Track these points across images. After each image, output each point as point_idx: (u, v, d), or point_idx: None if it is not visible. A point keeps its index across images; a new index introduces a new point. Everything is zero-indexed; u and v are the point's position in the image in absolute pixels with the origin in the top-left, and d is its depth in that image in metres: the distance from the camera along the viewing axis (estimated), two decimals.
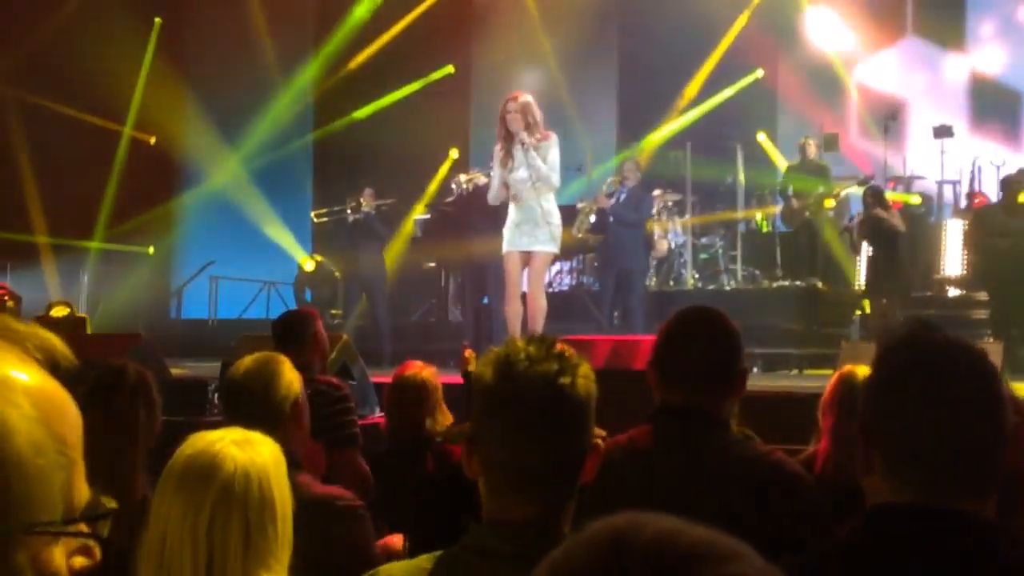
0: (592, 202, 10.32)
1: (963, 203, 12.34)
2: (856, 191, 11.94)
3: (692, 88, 14.04)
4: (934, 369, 1.57)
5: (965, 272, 11.27)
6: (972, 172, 12.41)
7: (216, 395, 6.57)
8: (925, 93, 13.66)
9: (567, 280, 12.61)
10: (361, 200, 10.80)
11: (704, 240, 12.21)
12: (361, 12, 14.66)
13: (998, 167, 12.05)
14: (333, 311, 12.58)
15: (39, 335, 0.84)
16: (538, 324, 7.16)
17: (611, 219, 10.10)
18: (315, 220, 12.57)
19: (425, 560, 1.66)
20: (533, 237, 7.17)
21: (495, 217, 9.79)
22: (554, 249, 7.24)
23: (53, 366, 0.83)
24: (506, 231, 7.33)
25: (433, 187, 13.67)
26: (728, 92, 13.97)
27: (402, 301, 12.34)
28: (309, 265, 13.43)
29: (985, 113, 13.35)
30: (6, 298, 9.81)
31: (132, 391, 2.86)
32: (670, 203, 11.88)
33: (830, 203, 11.53)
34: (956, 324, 10.11)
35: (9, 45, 12.74)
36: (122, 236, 13.96)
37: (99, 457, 0.96)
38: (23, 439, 0.76)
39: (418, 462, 3.88)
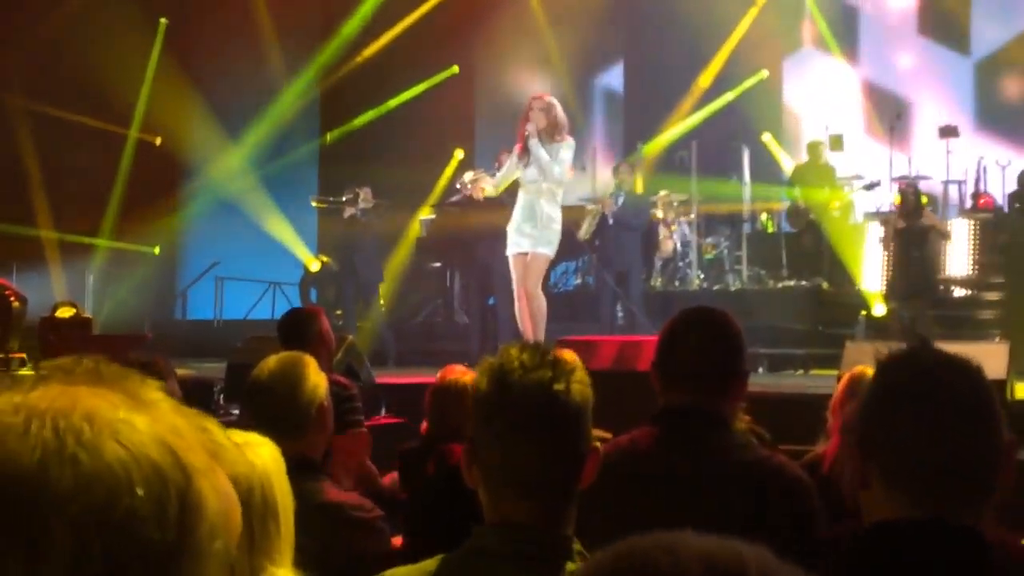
0: (599, 205, 10.31)
1: (968, 203, 12.32)
2: (862, 194, 11.96)
3: (697, 91, 14.02)
4: (931, 385, 1.58)
5: (974, 272, 11.24)
6: (977, 172, 12.40)
7: (222, 396, 6.58)
8: (931, 93, 13.64)
9: (572, 280, 12.62)
10: (358, 192, 10.83)
11: (709, 240, 12.20)
12: (365, 11, 14.67)
13: (1003, 167, 12.04)
14: (338, 311, 12.58)
15: (231, 448, 0.88)
16: (539, 325, 7.19)
17: (610, 222, 10.13)
18: (314, 204, 12.62)
19: (430, 563, 1.67)
20: (531, 238, 7.23)
21: (498, 217, 9.81)
22: (548, 252, 7.28)
23: (233, 479, 0.89)
24: (508, 232, 7.38)
25: (439, 188, 13.68)
26: (733, 94, 13.97)
27: (408, 301, 12.35)
28: (314, 265, 13.44)
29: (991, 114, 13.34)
30: (12, 298, 9.82)
31: (166, 379, 2.83)
32: (675, 203, 11.88)
33: (835, 206, 11.54)
34: (963, 324, 10.10)
35: (15, 47, 12.77)
36: (127, 236, 13.97)
37: None
38: (207, 522, 0.79)
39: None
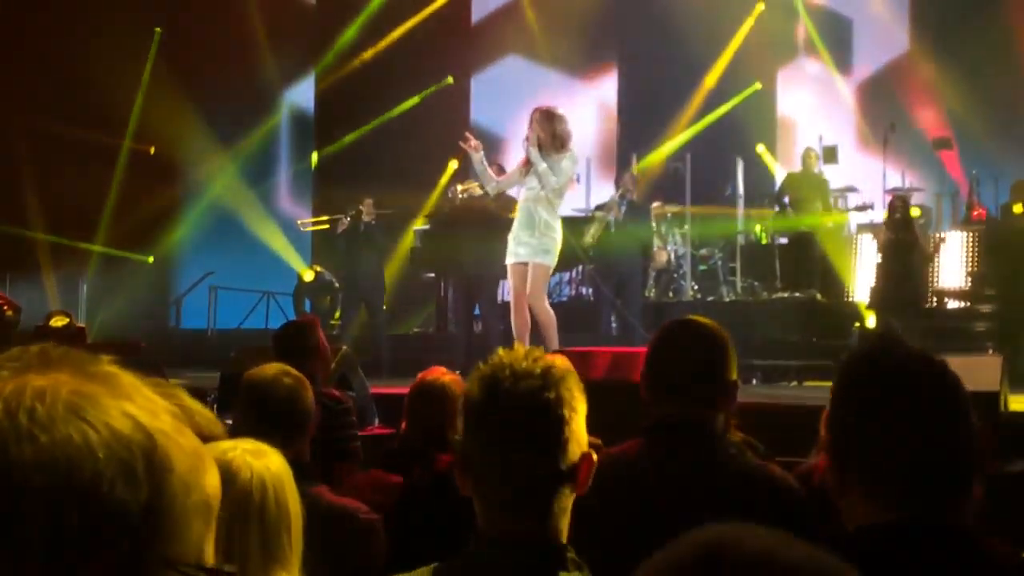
0: (606, 212, 10.30)
1: (962, 215, 12.35)
2: (854, 215, 12.00)
3: (691, 106, 14.05)
4: (895, 384, 1.56)
5: (968, 284, 11.26)
6: (971, 184, 12.43)
7: (215, 406, 6.56)
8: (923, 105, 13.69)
9: (567, 290, 12.62)
10: (361, 208, 10.79)
11: (703, 252, 12.22)
12: (361, 22, 14.71)
13: (996, 179, 12.08)
14: (332, 321, 12.57)
15: (203, 412, 0.93)
16: (548, 336, 7.20)
17: (612, 229, 10.13)
18: (300, 229, 12.58)
19: (423, 572, 1.66)
20: (529, 247, 7.23)
21: (487, 228, 9.83)
22: (547, 261, 7.26)
23: (206, 439, 0.90)
24: (508, 241, 7.40)
25: (433, 198, 13.69)
26: (727, 106, 14.01)
27: (402, 312, 12.34)
28: (308, 275, 13.43)
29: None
30: (5, 308, 9.80)
31: None
32: (670, 214, 11.89)
33: (825, 223, 11.58)
34: (956, 336, 10.10)
35: (8, 58, 12.75)
36: (122, 245, 13.94)
37: None
38: (179, 478, 0.81)
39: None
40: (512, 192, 8.31)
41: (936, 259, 10.67)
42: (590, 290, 11.92)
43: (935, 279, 11.30)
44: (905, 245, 9.67)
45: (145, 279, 14.04)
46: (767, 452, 3.22)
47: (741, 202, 12.84)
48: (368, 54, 14.78)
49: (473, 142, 7.43)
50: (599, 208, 10.64)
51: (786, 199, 11.79)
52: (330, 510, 2.64)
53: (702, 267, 12.17)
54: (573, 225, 8.39)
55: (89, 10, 13.02)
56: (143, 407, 0.82)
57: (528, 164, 7.23)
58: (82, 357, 0.84)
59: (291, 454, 2.57)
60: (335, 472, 4.03)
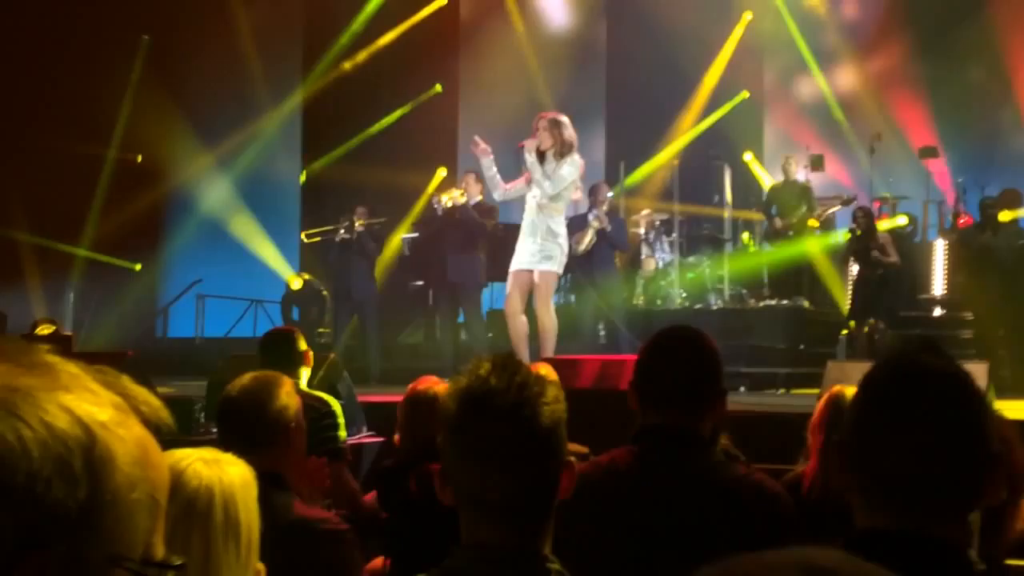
0: (597, 220, 10.30)
1: (948, 223, 12.41)
2: (840, 210, 12.03)
3: (683, 124, 14.06)
4: (914, 392, 1.54)
5: (945, 292, 11.32)
6: (957, 193, 12.49)
7: (203, 415, 6.54)
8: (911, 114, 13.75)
9: (554, 298, 12.61)
10: (354, 219, 10.79)
11: (691, 259, 12.25)
12: (352, 31, 14.73)
13: (983, 187, 12.13)
14: (321, 329, 12.55)
15: (148, 397, 0.88)
16: (546, 343, 7.21)
17: (597, 239, 10.14)
18: (305, 240, 12.55)
19: None
20: (531, 254, 7.25)
21: (470, 236, 9.85)
22: (552, 267, 7.27)
23: (155, 428, 0.87)
24: (516, 247, 7.43)
25: (419, 206, 13.69)
26: (715, 116, 14.07)
27: (390, 320, 12.33)
28: (296, 283, 13.40)
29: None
30: None
31: None
32: (657, 222, 11.91)
33: (814, 223, 11.60)
34: (943, 344, 10.15)
35: None
36: (109, 253, 13.90)
37: None
38: (121, 473, 0.78)
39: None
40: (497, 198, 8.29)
41: (931, 266, 10.79)
42: (573, 298, 11.93)
43: (930, 287, 11.37)
44: (868, 254, 9.86)
45: (132, 287, 14.01)
46: (747, 460, 3.23)
47: (728, 209, 12.87)
48: (351, 64, 14.78)
49: (483, 146, 7.42)
50: (596, 219, 10.66)
51: (773, 210, 11.83)
52: (300, 521, 2.63)
53: (690, 274, 12.19)
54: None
55: (77, 18, 13.00)
56: (83, 399, 0.79)
57: (527, 172, 7.24)
58: (18, 348, 0.80)
59: (264, 464, 2.57)
60: (326, 472, 4.01)
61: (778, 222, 11.58)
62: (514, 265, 7.37)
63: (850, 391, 2.98)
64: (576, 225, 9.79)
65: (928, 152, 12.76)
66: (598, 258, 10.10)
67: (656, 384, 2.43)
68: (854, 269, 10.43)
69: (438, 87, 14.70)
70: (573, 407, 1.72)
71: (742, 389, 9.40)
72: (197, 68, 13.85)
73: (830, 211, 11.92)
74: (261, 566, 1.82)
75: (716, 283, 12.00)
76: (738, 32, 14.26)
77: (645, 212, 11.82)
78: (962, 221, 12.02)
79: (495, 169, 7.45)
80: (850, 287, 10.60)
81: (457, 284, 10.00)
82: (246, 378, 2.80)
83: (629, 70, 14.63)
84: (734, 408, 6.29)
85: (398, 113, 14.66)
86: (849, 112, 14.15)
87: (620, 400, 2.53)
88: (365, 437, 6.15)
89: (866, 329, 9.75)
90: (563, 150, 7.17)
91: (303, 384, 4.48)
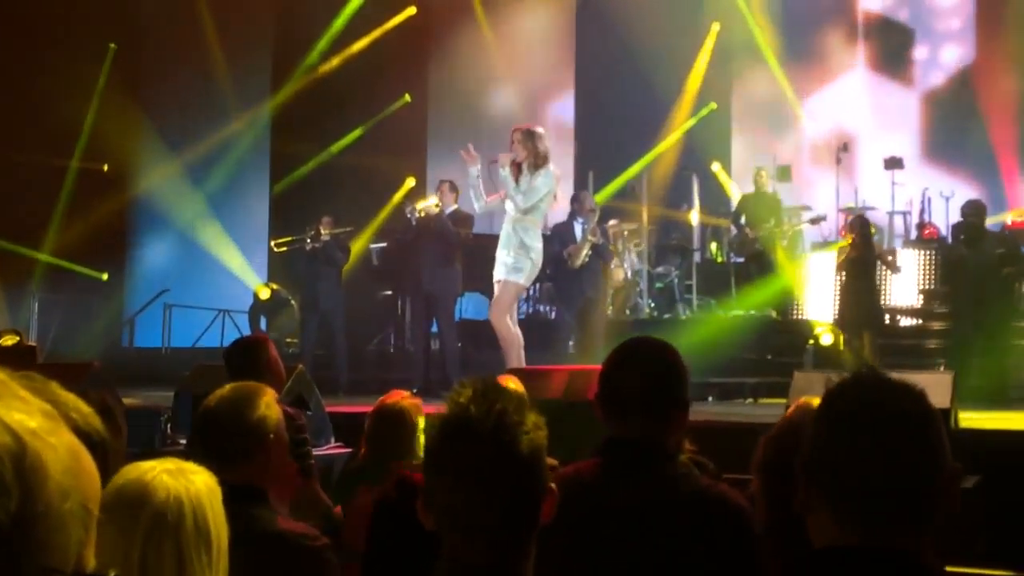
0: (592, 235, 10.28)
1: (913, 234, 12.53)
2: (807, 228, 12.14)
3: (654, 151, 14.09)
4: (874, 411, 1.58)
5: (920, 302, 11.41)
6: (922, 203, 12.62)
7: (169, 426, 6.50)
8: (876, 124, 13.89)
9: (524, 308, 12.63)
10: (320, 228, 10.76)
11: (660, 269, 12.30)
12: (321, 46, 14.72)
13: (947, 199, 12.26)
14: (289, 339, 12.50)
15: (78, 404, 0.87)
16: (509, 353, 7.21)
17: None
18: (275, 249, 12.50)
19: None
20: (504, 266, 7.27)
21: (445, 246, 9.83)
22: (518, 279, 7.26)
23: (86, 435, 0.85)
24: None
25: (383, 214, 13.67)
26: (683, 127, 14.16)
27: (359, 330, 12.29)
28: (264, 293, 13.34)
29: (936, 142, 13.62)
30: None
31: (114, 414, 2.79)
32: (626, 232, 11.95)
33: (786, 233, 11.70)
34: (908, 353, 10.23)
35: None
36: (75, 262, 13.77)
37: None
38: (54, 483, 0.77)
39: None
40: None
41: (888, 276, 10.80)
42: (549, 308, 11.95)
43: (888, 297, 11.45)
44: (866, 263, 9.80)
45: (98, 297, 13.88)
46: (716, 470, 3.24)
47: (697, 218, 12.95)
48: (323, 69, 14.75)
49: (473, 154, 7.41)
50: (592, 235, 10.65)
51: (742, 220, 11.91)
52: (276, 534, 2.61)
53: (658, 285, 12.24)
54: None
55: (43, 25, 12.89)
56: (12, 406, 0.78)
57: (512, 184, 7.24)
58: None
59: (242, 477, 2.56)
60: (294, 476, 3.99)
61: (748, 232, 11.66)
62: (494, 275, 7.42)
63: (816, 402, 3.00)
64: (562, 233, 9.78)
65: (893, 163, 12.90)
66: (589, 271, 10.09)
67: (620, 395, 2.43)
68: (840, 278, 10.34)
69: (407, 97, 14.69)
70: (545, 430, 1.72)
71: (710, 399, 9.44)
72: (164, 76, 13.77)
73: (798, 227, 12.03)
74: None
75: (684, 293, 12.06)
76: (709, 44, 14.35)
77: (613, 222, 11.86)
78: (927, 232, 12.14)
79: (482, 178, 7.41)
80: (837, 297, 10.48)
81: (432, 294, 9.98)
82: (225, 389, 2.77)
83: (599, 80, 14.69)
84: (701, 418, 6.33)
85: (368, 124, 14.63)
86: (816, 122, 14.27)
87: (589, 411, 2.53)
88: (333, 448, 6.13)
89: (849, 344, 9.72)
90: (537, 162, 7.18)
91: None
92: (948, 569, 2.25)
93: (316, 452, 4.63)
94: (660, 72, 13.49)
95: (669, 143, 14.12)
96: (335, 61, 14.76)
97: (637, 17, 13.49)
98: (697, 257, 12.65)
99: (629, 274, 11.90)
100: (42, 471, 0.76)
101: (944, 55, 14.42)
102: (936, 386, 5.28)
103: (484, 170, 7.41)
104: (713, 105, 14.33)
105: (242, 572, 1.82)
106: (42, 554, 0.76)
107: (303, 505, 3.96)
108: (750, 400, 9.62)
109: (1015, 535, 5.19)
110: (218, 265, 14.11)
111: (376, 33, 14.70)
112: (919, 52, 14.52)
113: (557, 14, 15.18)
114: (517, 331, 7.43)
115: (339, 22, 14.66)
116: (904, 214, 12.92)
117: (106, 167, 13.95)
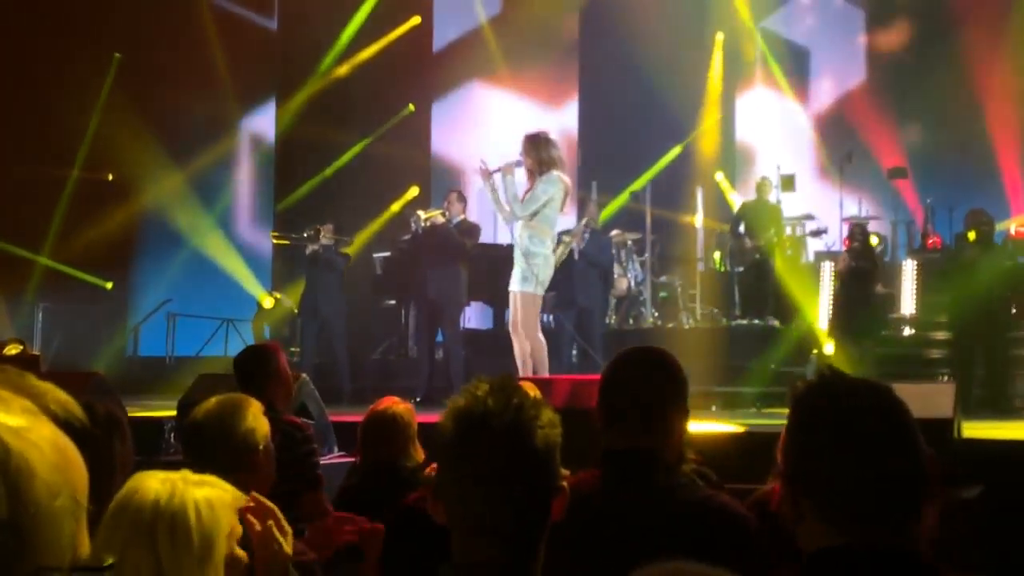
0: (571, 237, 10.34)
1: (917, 243, 12.52)
2: (812, 242, 12.13)
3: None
4: (845, 412, 1.61)
5: (922, 311, 11.39)
6: (925, 213, 12.61)
7: (172, 435, 6.50)
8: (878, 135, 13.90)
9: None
10: (320, 230, 10.75)
11: (663, 279, 12.30)
12: (326, 64, 14.77)
13: (951, 208, 12.25)
14: (292, 348, 12.50)
15: (56, 394, 0.86)
16: (535, 365, 7.19)
17: (576, 258, 10.17)
18: (273, 241, 12.50)
19: None
20: (515, 276, 7.25)
21: (450, 255, 9.84)
22: (530, 289, 7.21)
23: (67, 423, 0.84)
24: None
25: (379, 221, 13.68)
26: (681, 146, 14.18)
27: (363, 339, 12.29)
28: (268, 302, 13.35)
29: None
30: None
31: (105, 427, 2.80)
32: (629, 242, 11.97)
33: (787, 243, 11.70)
34: (912, 363, 10.21)
35: None
36: (80, 271, 13.78)
37: None
38: (41, 482, 0.77)
39: (389, 499, 3.86)
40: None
41: (883, 287, 10.81)
42: (550, 318, 11.95)
43: (891, 306, 11.44)
44: (864, 272, 9.77)
45: (103, 306, 13.90)
46: (718, 480, 3.24)
47: (701, 229, 12.95)
48: (330, 78, 14.78)
49: (484, 169, 7.35)
50: (564, 233, 10.67)
51: (741, 227, 11.92)
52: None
53: (662, 294, 12.24)
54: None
55: (47, 34, 12.93)
56: None
57: (527, 192, 7.22)
58: None
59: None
60: (300, 500, 3.99)
61: (747, 241, 11.66)
62: (510, 286, 7.40)
63: None
64: (592, 243, 9.80)
65: (897, 173, 12.89)
66: (582, 281, 10.10)
67: (620, 404, 2.44)
68: (833, 286, 10.39)
69: (411, 107, 14.72)
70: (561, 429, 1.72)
71: (714, 408, 9.43)
72: (169, 86, 13.80)
73: (800, 237, 12.05)
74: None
75: (688, 302, 12.06)
76: (717, 57, 14.39)
77: (616, 232, 11.88)
78: (931, 241, 12.13)
79: (501, 191, 7.30)
80: (830, 304, 10.53)
81: (438, 302, 9.97)
82: (212, 402, 2.78)
83: (602, 88, 14.71)
84: (705, 428, 6.32)
85: (371, 138, 14.64)
86: (820, 132, 14.28)
87: (591, 420, 2.54)
88: (336, 457, 6.14)
89: (846, 352, 9.73)
90: (540, 169, 7.15)
91: (281, 407, 4.40)
92: None
93: (320, 462, 4.62)
94: (664, 82, 13.51)
95: (672, 156, 14.07)
96: (342, 70, 14.78)
97: (641, 26, 13.51)
98: (701, 267, 12.65)
99: (633, 284, 11.91)
100: (28, 472, 0.76)
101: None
102: (939, 396, 5.28)
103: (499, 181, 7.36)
104: (716, 115, 14.35)
105: None
106: (37, 554, 0.76)
107: (308, 515, 3.96)
108: (753, 409, 9.61)
109: (1018, 545, 5.18)
110: (222, 274, 14.13)
111: (382, 43, 14.72)
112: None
113: (561, 23, 15.20)
114: (542, 340, 7.39)
115: (346, 34, 14.69)
116: (908, 224, 12.94)
117: (110, 176, 13.98)
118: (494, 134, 14.00)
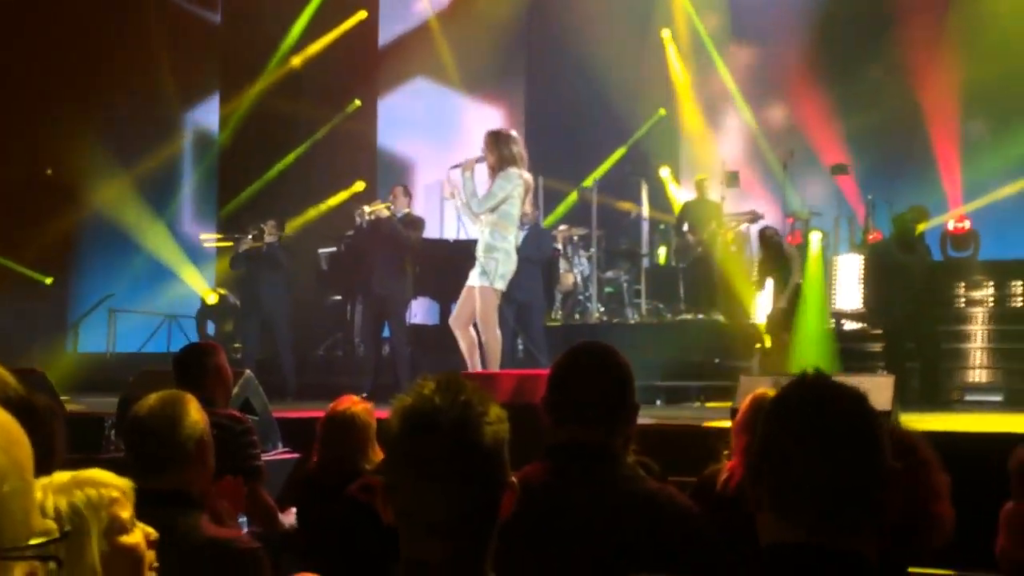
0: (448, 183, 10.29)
1: (858, 238, 12.70)
2: (753, 232, 12.25)
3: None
4: (815, 412, 1.64)
5: (861, 307, 11.57)
6: (867, 208, 12.79)
7: (113, 432, 6.42)
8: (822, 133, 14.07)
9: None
10: (263, 228, 10.63)
11: (609, 274, 12.36)
12: (272, 67, 14.65)
13: (890, 204, 12.44)
14: (236, 345, 12.39)
15: None
16: (488, 360, 7.19)
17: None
18: (204, 245, 12.37)
19: None
20: (474, 271, 7.24)
21: (396, 249, 9.81)
22: (485, 283, 7.19)
23: (4, 399, 0.83)
24: None
25: (318, 210, 13.60)
26: (636, 136, 14.25)
27: (308, 334, 12.21)
28: (212, 298, 13.22)
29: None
30: None
31: (44, 421, 2.76)
32: (575, 237, 12.00)
33: (729, 238, 11.81)
34: (851, 357, 10.37)
35: None
36: (18, 266, 13.56)
37: None
38: None
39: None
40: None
41: (838, 281, 11.04)
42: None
43: (836, 301, 11.63)
44: (776, 270, 10.19)
45: (42, 301, 13.69)
46: (662, 473, 3.27)
47: (645, 224, 13.03)
48: (276, 75, 14.67)
49: (448, 189, 7.34)
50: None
51: (685, 226, 12.05)
52: (209, 542, 2.61)
53: (608, 289, 12.30)
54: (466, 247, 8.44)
55: None
56: None
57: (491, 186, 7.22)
58: None
59: (173, 483, 2.62)
60: (243, 491, 3.96)
61: (690, 237, 11.78)
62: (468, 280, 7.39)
63: (772, 394, 3.05)
64: (531, 239, 9.80)
65: (839, 169, 13.07)
66: (523, 275, 10.09)
67: (566, 400, 2.46)
68: (768, 283, 10.62)
69: (357, 102, 14.64)
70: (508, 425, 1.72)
71: (658, 402, 9.51)
72: (110, 81, 13.62)
73: (739, 227, 12.16)
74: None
75: (633, 297, 12.13)
76: (670, 52, 14.52)
77: (563, 227, 11.91)
78: (872, 236, 12.31)
79: (459, 187, 7.26)
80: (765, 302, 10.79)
81: (384, 297, 9.93)
82: (152, 399, 2.77)
83: (548, 83, 14.73)
84: (649, 421, 6.37)
85: (317, 135, 14.53)
86: (764, 128, 14.43)
87: (536, 415, 2.55)
88: (280, 453, 6.10)
89: (776, 346, 9.98)
90: (500, 165, 7.15)
91: (221, 403, 4.40)
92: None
93: (264, 457, 4.60)
94: (611, 76, 13.56)
95: (617, 156, 14.11)
96: (288, 65, 14.66)
97: (589, 19, 13.56)
98: (646, 262, 12.73)
99: (579, 279, 11.94)
100: None
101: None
102: (878, 389, 5.35)
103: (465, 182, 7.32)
104: (662, 111, 14.44)
105: None
106: None
107: (249, 508, 3.94)
108: (697, 403, 9.70)
109: (957, 532, 5.27)
110: (165, 270, 13.97)
111: (328, 38, 14.63)
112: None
113: (508, 17, 15.20)
114: (498, 336, 7.38)
115: (292, 33, 14.57)
116: (850, 219, 13.12)
117: (49, 171, 13.77)
118: (441, 129, 13.99)
